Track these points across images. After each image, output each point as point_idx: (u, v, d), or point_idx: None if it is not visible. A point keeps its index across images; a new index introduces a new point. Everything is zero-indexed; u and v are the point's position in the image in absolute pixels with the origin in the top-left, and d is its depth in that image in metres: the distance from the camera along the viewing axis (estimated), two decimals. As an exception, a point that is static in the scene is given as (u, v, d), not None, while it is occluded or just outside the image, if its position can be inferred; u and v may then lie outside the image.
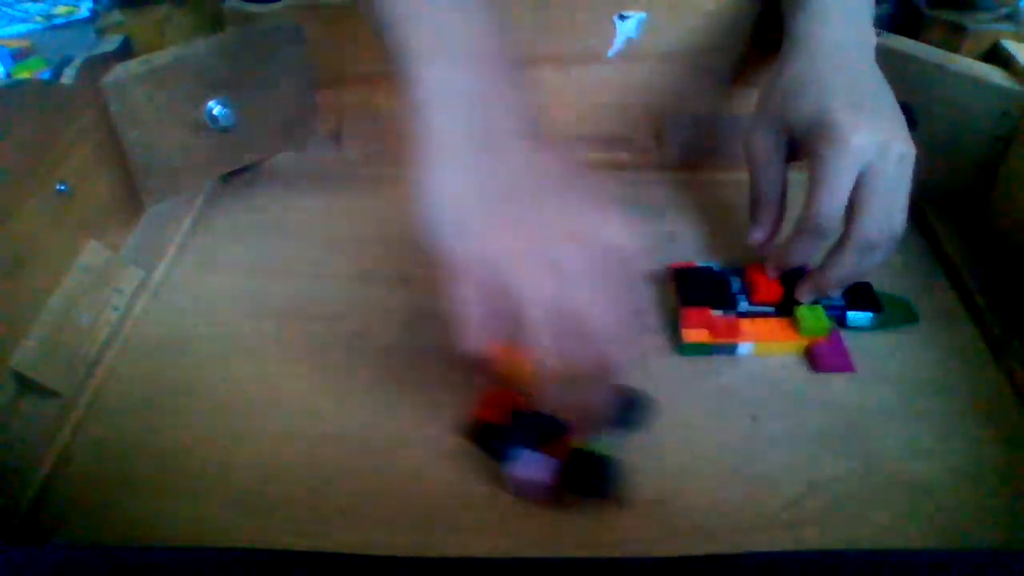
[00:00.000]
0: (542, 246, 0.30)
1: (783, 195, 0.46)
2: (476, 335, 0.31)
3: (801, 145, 0.44)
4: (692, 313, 0.44)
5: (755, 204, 0.47)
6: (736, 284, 0.46)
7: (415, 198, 0.31)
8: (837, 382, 0.42)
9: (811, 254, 0.43)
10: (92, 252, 0.46)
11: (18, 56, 0.77)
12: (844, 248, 0.41)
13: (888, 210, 0.40)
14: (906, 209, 0.41)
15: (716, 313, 0.44)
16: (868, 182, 0.40)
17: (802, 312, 0.43)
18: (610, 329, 0.31)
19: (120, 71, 0.49)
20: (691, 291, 0.45)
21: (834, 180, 0.40)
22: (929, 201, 0.53)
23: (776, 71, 0.46)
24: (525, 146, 0.32)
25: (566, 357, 0.31)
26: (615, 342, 0.31)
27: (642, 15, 0.55)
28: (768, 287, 0.45)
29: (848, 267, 0.42)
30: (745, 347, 0.43)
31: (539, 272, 0.30)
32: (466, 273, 0.31)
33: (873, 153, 0.40)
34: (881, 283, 0.48)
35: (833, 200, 0.40)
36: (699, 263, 0.49)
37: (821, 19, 0.45)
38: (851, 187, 0.40)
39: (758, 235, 0.46)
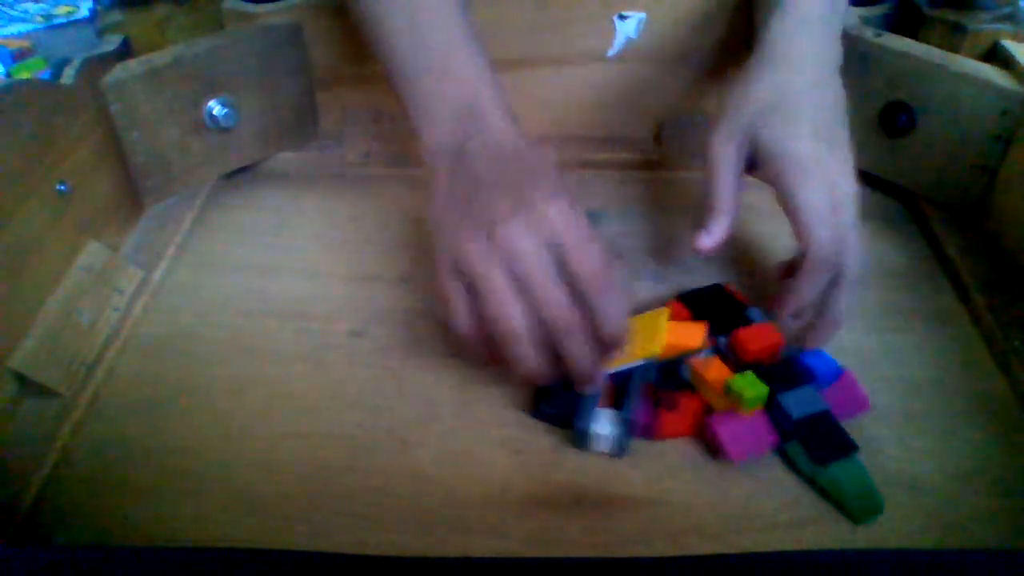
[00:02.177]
0: (483, 225, 0.37)
1: (738, 206, 0.44)
2: (456, 312, 0.38)
3: (762, 163, 0.43)
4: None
5: (710, 212, 0.44)
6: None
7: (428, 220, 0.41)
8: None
9: (822, 286, 0.41)
10: (92, 252, 0.46)
11: (18, 56, 0.77)
12: (804, 272, 0.41)
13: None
14: (857, 245, 0.40)
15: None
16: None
17: (737, 383, 0.38)
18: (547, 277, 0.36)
19: (120, 71, 0.49)
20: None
21: (822, 213, 0.40)
22: (929, 201, 0.53)
23: (748, 76, 0.45)
24: (493, 163, 0.40)
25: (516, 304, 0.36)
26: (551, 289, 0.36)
27: (642, 15, 0.55)
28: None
29: (807, 295, 0.41)
30: None
31: (479, 244, 0.37)
32: (441, 265, 0.39)
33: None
34: (882, 283, 0.48)
35: (827, 230, 0.40)
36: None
37: (800, 29, 0.45)
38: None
39: (707, 242, 0.44)
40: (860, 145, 0.56)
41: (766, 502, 0.36)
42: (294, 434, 0.40)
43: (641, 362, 0.40)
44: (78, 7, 0.87)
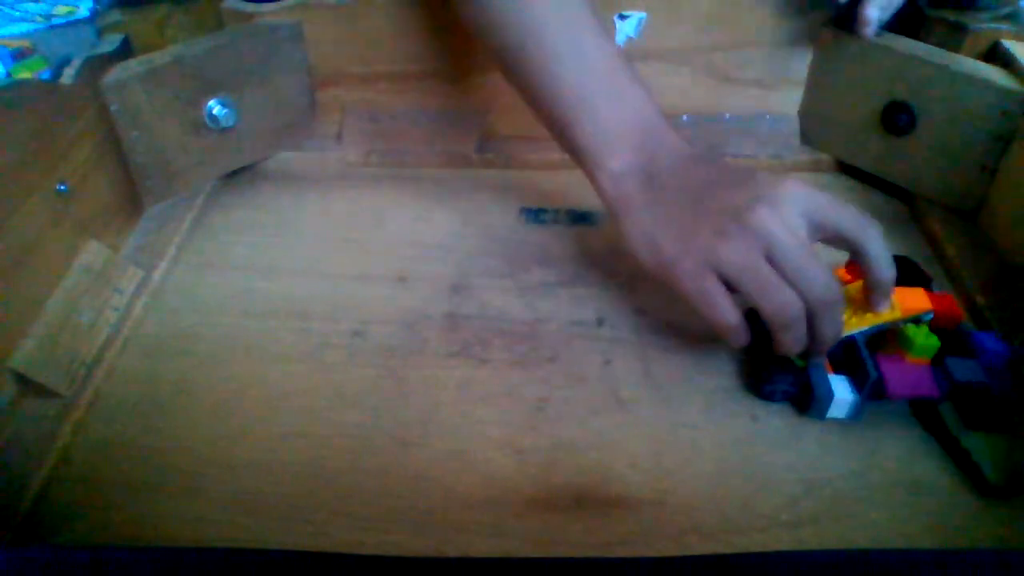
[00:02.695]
0: (729, 219, 0.38)
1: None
2: (725, 308, 0.38)
3: None
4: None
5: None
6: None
7: (625, 241, 0.42)
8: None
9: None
10: (92, 252, 0.46)
11: (18, 56, 0.77)
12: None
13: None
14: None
15: None
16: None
17: (911, 329, 0.40)
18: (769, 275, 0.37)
19: (120, 71, 0.49)
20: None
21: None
22: (929, 201, 0.53)
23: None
24: (691, 171, 0.41)
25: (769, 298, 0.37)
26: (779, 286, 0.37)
27: (642, 15, 0.55)
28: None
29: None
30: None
31: (734, 239, 0.38)
32: (684, 272, 0.39)
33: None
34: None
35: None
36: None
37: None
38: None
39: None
40: (860, 145, 0.56)
41: (766, 502, 0.36)
42: (294, 434, 0.40)
43: (867, 328, 0.40)
44: (78, 7, 0.87)
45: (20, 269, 0.41)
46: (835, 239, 0.39)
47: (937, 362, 0.39)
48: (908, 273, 0.44)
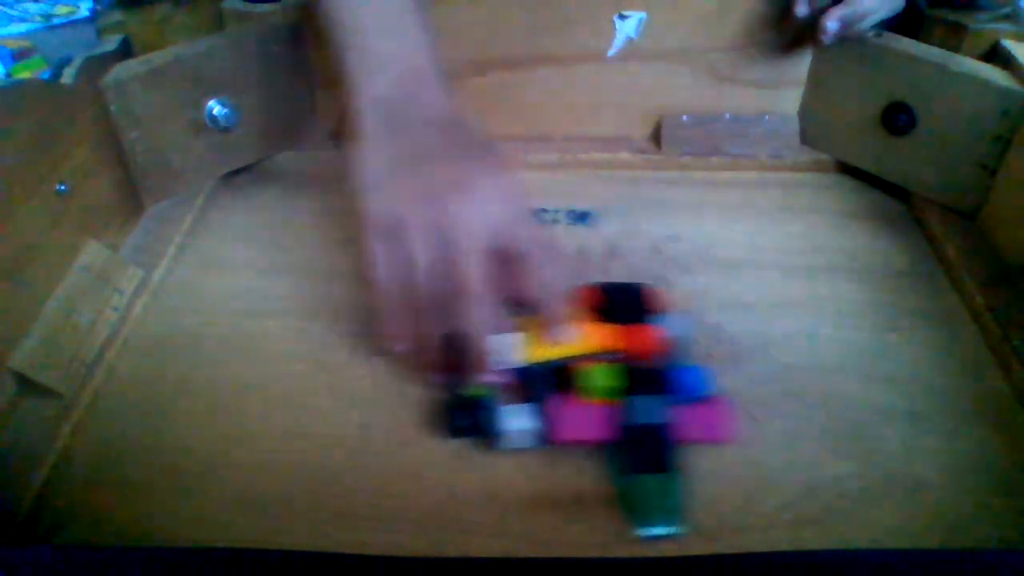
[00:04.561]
0: (429, 191, 0.39)
1: None
2: (381, 273, 0.39)
3: None
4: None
5: None
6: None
7: (348, 174, 0.41)
8: (837, 382, 0.42)
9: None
10: (92, 252, 0.46)
11: (18, 56, 0.77)
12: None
13: None
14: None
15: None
16: None
17: (586, 369, 0.39)
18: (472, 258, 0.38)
19: (120, 71, 0.49)
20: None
21: None
22: (929, 201, 0.53)
23: None
24: (434, 131, 0.41)
25: (437, 277, 0.38)
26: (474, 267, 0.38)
27: (642, 15, 0.55)
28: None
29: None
30: None
31: (422, 203, 0.38)
32: (374, 223, 0.39)
33: None
34: (882, 283, 0.48)
35: None
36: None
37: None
38: None
39: None
40: (860, 145, 0.56)
41: (766, 502, 0.36)
42: (294, 434, 0.40)
43: (547, 361, 0.40)
44: (78, 7, 0.87)
45: (20, 269, 0.41)
46: (511, 255, 0.39)
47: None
48: (633, 306, 0.43)
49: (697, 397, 0.39)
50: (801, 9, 0.51)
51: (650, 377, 0.39)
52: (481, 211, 0.38)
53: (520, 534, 0.35)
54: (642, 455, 0.37)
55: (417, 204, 0.38)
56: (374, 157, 0.41)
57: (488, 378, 0.39)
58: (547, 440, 0.38)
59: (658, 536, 0.35)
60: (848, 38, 0.51)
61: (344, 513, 0.36)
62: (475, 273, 0.38)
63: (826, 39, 0.50)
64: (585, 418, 0.38)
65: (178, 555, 0.31)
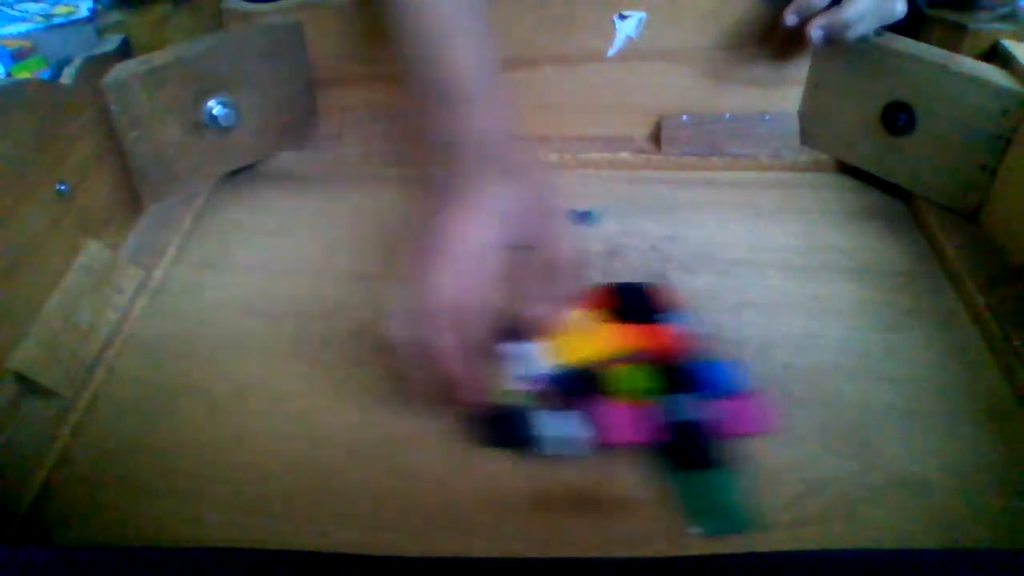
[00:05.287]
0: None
1: None
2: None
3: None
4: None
5: None
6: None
7: (426, 201, 0.40)
8: (837, 383, 0.42)
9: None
10: (92, 252, 0.46)
11: (18, 56, 0.77)
12: None
13: None
14: None
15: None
16: None
17: (618, 371, 0.39)
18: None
19: (120, 71, 0.49)
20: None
21: None
22: (929, 201, 0.53)
23: None
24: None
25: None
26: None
27: (642, 15, 0.55)
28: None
29: None
30: None
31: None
32: (439, 304, 0.38)
33: None
34: (882, 283, 0.48)
35: None
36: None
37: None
38: None
39: None
40: (860, 145, 0.56)
41: (766, 502, 0.36)
42: (294, 434, 0.40)
43: (570, 367, 0.40)
44: (78, 7, 0.87)
45: (20, 269, 0.41)
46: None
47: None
48: (646, 305, 0.43)
49: (732, 391, 0.39)
50: (791, 19, 0.51)
51: (687, 375, 0.39)
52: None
53: (520, 534, 0.35)
54: (694, 453, 0.37)
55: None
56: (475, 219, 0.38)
57: (522, 386, 0.39)
58: (593, 445, 0.38)
59: (720, 534, 0.35)
60: (843, 42, 0.51)
61: (344, 513, 0.36)
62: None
63: (813, 46, 0.51)
64: (631, 420, 0.38)
65: (178, 555, 0.31)
